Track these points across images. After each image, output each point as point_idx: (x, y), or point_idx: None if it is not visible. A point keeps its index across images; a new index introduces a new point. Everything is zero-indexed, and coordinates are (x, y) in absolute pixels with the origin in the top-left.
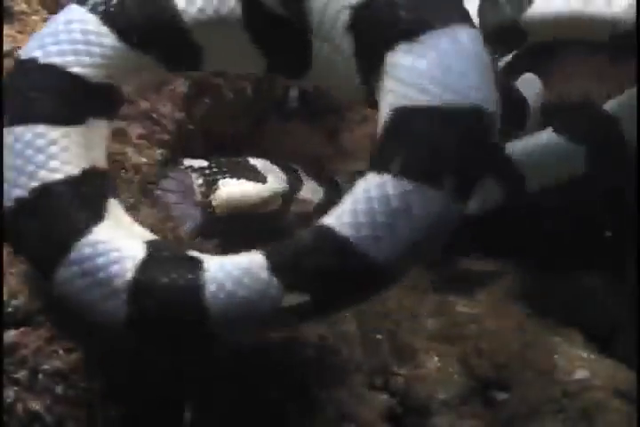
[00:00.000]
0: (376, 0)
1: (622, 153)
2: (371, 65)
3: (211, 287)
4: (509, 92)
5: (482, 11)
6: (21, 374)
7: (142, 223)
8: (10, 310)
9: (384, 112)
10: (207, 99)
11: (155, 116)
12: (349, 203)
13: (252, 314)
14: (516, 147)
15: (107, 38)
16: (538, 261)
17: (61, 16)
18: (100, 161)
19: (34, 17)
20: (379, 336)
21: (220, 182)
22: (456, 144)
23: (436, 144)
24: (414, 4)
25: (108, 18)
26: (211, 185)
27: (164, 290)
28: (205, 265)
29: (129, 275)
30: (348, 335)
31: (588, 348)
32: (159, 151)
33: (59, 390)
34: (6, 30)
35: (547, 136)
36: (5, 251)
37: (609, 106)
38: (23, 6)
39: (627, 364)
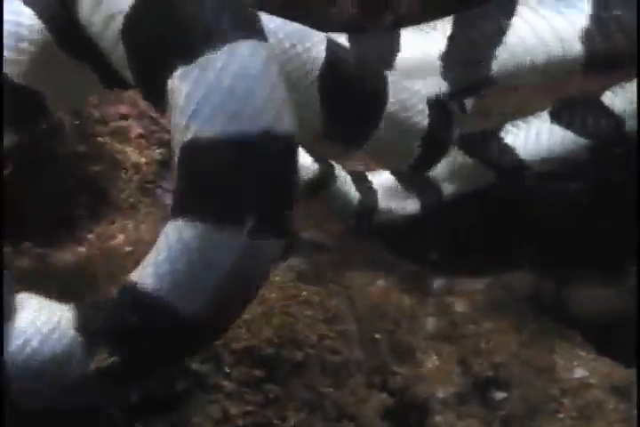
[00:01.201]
0: (146, 10)
1: None
2: (155, 93)
3: (17, 342)
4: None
5: (590, 35)
6: None
7: (142, 223)
8: None
9: (174, 150)
10: None
11: (154, 115)
12: (153, 253)
13: (57, 375)
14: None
15: (32, 21)
16: (535, 261)
17: None
18: None
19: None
20: (378, 336)
21: None
22: (247, 176)
23: (224, 179)
24: (190, 18)
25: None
26: None
27: None
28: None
29: None
30: (348, 335)
31: (586, 347)
32: (158, 151)
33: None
34: None
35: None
36: (6, 249)
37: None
38: None
39: (624, 363)
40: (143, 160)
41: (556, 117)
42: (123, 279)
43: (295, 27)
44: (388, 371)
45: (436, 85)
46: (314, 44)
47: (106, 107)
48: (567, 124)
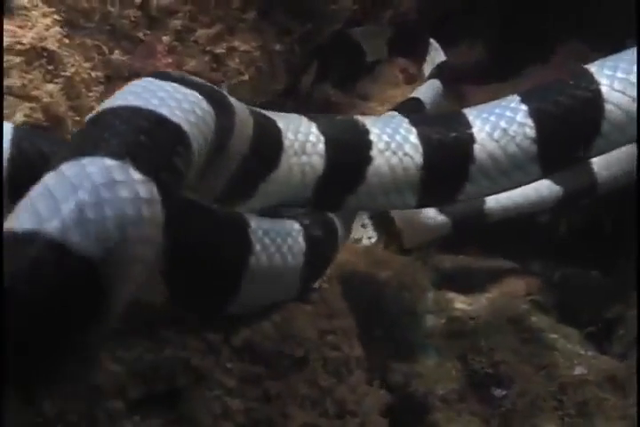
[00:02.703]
0: None
1: None
2: None
3: None
4: None
5: None
6: None
7: None
8: None
9: None
10: None
11: None
12: None
13: None
14: None
15: None
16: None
17: None
18: None
19: (34, 12)
20: (378, 332)
21: None
22: None
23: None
24: None
25: None
26: None
27: None
28: None
29: None
30: (348, 331)
31: (585, 345)
32: None
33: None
34: (7, 25)
35: None
36: None
37: None
38: (24, 1)
39: (623, 360)
40: None
41: None
42: None
43: None
44: (388, 367)
45: None
46: None
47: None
48: None
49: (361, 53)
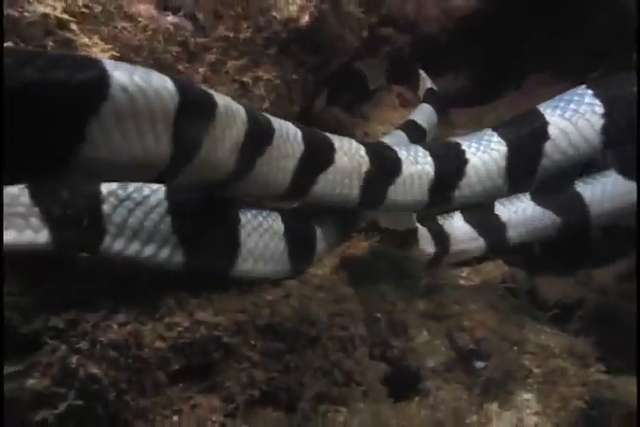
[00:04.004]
0: None
1: None
2: None
3: None
4: None
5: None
6: (82, 345)
7: None
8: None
9: None
10: None
11: None
12: None
13: None
14: None
15: None
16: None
17: None
18: None
19: (94, 48)
20: (378, 315)
21: None
22: None
23: None
24: None
25: None
26: None
27: None
28: None
29: None
30: (354, 314)
31: (550, 324)
32: None
33: (113, 357)
34: None
35: None
36: None
37: None
38: (85, 40)
39: (582, 337)
40: None
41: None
42: None
43: None
44: (387, 344)
45: None
46: None
47: None
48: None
49: (364, 82)
